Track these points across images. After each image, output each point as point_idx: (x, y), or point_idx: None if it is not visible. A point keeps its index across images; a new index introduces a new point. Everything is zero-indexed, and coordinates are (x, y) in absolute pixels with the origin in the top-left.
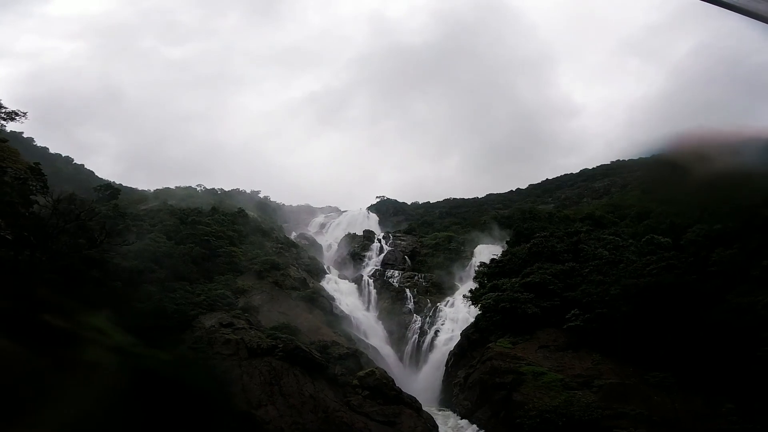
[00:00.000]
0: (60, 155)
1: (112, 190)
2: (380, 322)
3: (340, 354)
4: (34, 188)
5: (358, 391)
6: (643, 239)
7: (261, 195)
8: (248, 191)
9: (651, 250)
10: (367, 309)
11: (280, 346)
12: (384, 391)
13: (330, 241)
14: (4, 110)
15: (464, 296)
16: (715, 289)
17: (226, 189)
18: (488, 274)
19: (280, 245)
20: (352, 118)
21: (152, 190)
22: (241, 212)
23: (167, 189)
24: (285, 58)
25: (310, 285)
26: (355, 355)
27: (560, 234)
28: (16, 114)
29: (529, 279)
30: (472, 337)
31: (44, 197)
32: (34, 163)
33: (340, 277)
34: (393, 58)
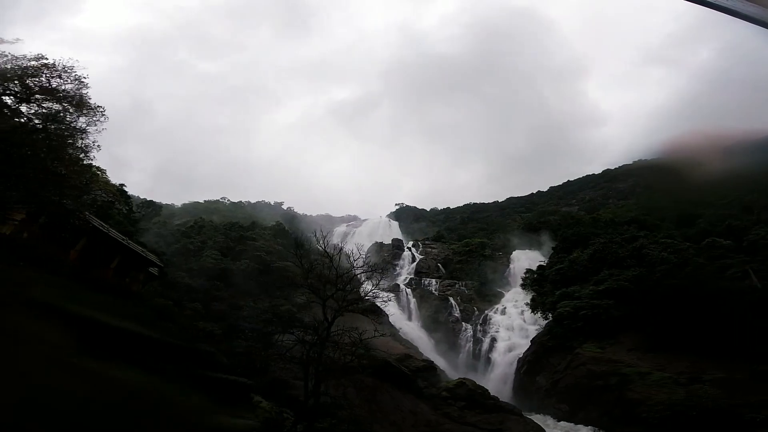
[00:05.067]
0: None
1: (153, 207)
2: (425, 331)
3: (417, 367)
4: (119, 212)
5: (450, 402)
6: (704, 242)
7: (284, 206)
8: (272, 203)
9: (721, 253)
10: (409, 318)
11: (365, 362)
12: (480, 401)
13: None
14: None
15: (526, 304)
16: None
17: (252, 201)
18: (551, 281)
19: (315, 257)
20: (372, 128)
21: (179, 205)
22: (279, 225)
23: (196, 203)
24: (311, 71)
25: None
26: (432, 367)
27: (618, 240)
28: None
29: (604, 286)
30: (547, 344)
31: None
32: (120, 185)
33: (376, 287)
34: (417, 68)
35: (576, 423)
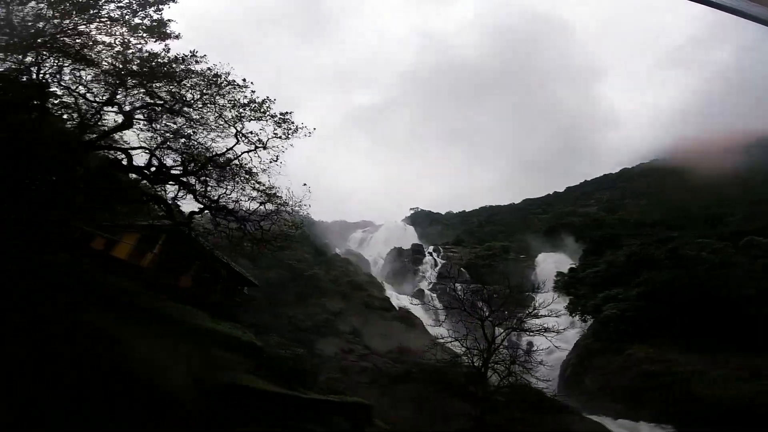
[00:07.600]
0: None
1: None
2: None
3: (463, 372)
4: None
5: (505, 405)
6: (742, 241)
7: (301, 213)
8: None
9: (764, 252)
10: (437, 324)
11: (414, 370)
12: (537, 403)
13: (374, 255)
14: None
15: (565, 307)
16: None
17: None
18: (588, 284)
19: (338, 263)
20: (386, 132)
21: None
22: (304, 233)
23: None
24: (329, 77)
25: (395, 305)
26: (479, 371)
27: (652, 241)
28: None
29: (647, 288)
30: (591, 346)
31: None
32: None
33: (399, 292)
34: (433, 73)
35: (636, 420)
